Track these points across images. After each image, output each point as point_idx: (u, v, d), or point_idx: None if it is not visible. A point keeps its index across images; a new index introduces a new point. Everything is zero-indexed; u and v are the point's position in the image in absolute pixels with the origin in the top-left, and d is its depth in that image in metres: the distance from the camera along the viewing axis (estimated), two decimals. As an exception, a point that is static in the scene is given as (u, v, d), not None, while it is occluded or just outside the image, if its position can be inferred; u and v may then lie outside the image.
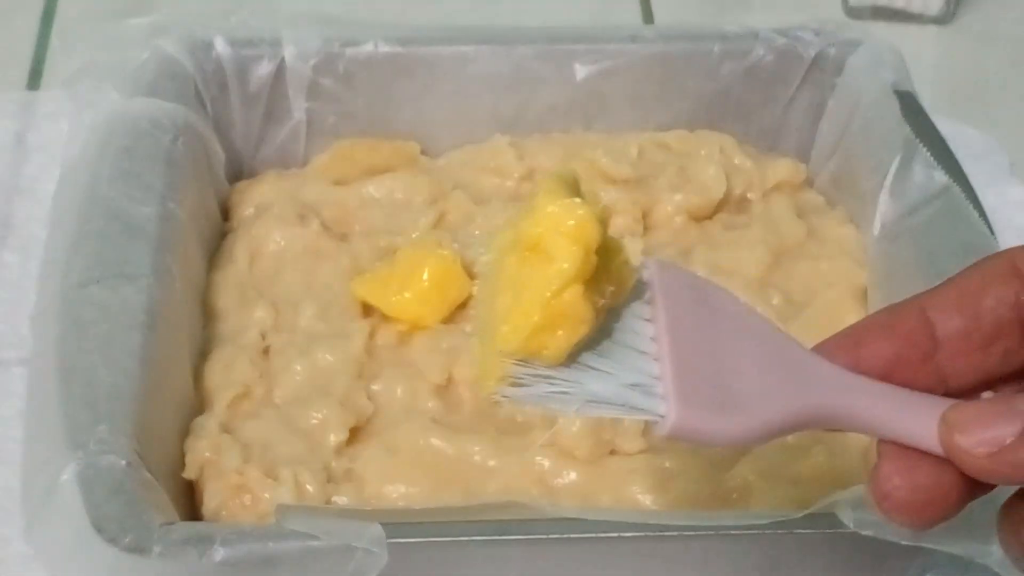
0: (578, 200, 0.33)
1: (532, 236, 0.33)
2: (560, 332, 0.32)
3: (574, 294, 0.32)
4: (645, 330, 0.34)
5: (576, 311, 0.32)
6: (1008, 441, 0.32)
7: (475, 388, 0.34)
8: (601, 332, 0.34)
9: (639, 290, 0.35)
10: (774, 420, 0.34)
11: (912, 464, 0.33)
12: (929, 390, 0.35)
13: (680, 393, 0.33)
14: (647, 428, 0.48)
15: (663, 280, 0.35)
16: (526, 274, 0.33)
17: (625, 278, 0.34)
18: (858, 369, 0.34)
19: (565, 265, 0.32)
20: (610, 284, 0.34)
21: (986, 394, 0.35)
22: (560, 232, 0.32)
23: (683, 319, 0.34)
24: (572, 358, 0.33)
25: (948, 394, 0.35)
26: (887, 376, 0.34)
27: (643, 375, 0.33)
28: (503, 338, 0.33)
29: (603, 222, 0.33)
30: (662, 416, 0.33)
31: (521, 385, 0.33)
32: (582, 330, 0.33)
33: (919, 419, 0.34)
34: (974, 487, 0.33)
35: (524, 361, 0.33)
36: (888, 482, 0.33)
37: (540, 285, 0.32)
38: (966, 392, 0.35)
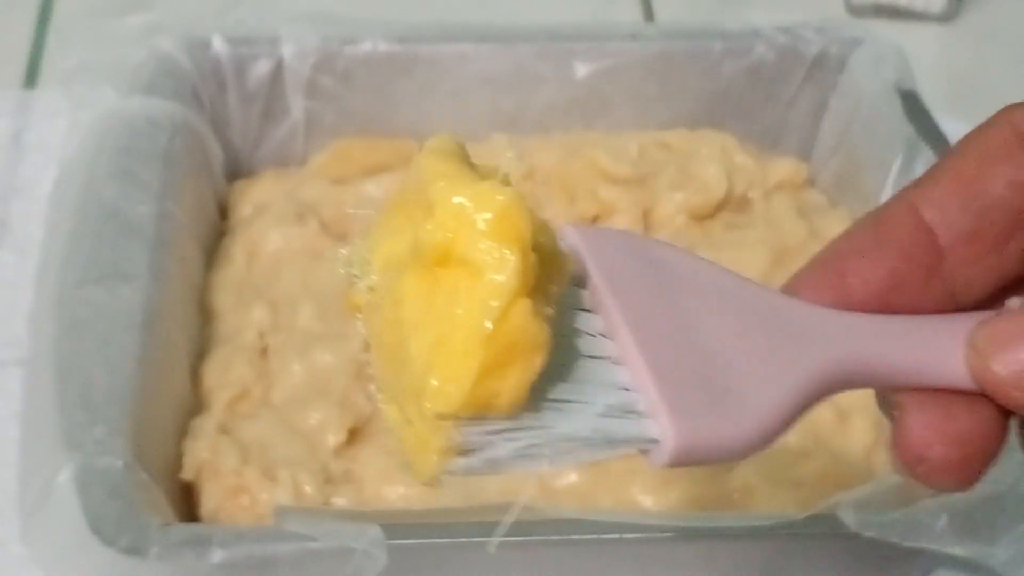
0: (490, 182, 0.25)
1: (438, 244, 0.24)
2: (514, 369, 0.24)
3: (522, 314, 0.24)
4: (591, 325, 0.26)
5: (529, 335, 0.24)
6: None
7: (410, 474, 0.25)
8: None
9: (569, 272, 0.27)
10: (786, 407, 0.27)
11: (945, 413, 0.27)
12: (936, 311, 0.28)
13: (671, 403, 0.25)
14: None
15: (594, 251, 0.27)
16: (444, 299, 0.24)
17: (563, 266, 0.26)
18: (849, 304, 0.28)
19: (501, 277, 0.24)
20: (552, 283, 0.25)
21: (1013, 301, 0.29)
22: (480, 232, 0.24)
23: (636, 299, 0.26)
24: (531, 396, 0.25)
25: (959, 311, 0.28)
26: (884, 306, 0.28)
27: (614, 391, 0.26)
28: (436, 397, 0.24)
29: (525, 201, 0.25)
30: (655, 441, 0.25)
31: (473, 451, 0.25)
32: (540, 359, 0.24)
33: (943, 351, 0.27)
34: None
35: (472, 420, 0.24)
36: (920, 442, 0.27)
37: (472, 312, 0.24)
38: (980, 304, 0.28)
